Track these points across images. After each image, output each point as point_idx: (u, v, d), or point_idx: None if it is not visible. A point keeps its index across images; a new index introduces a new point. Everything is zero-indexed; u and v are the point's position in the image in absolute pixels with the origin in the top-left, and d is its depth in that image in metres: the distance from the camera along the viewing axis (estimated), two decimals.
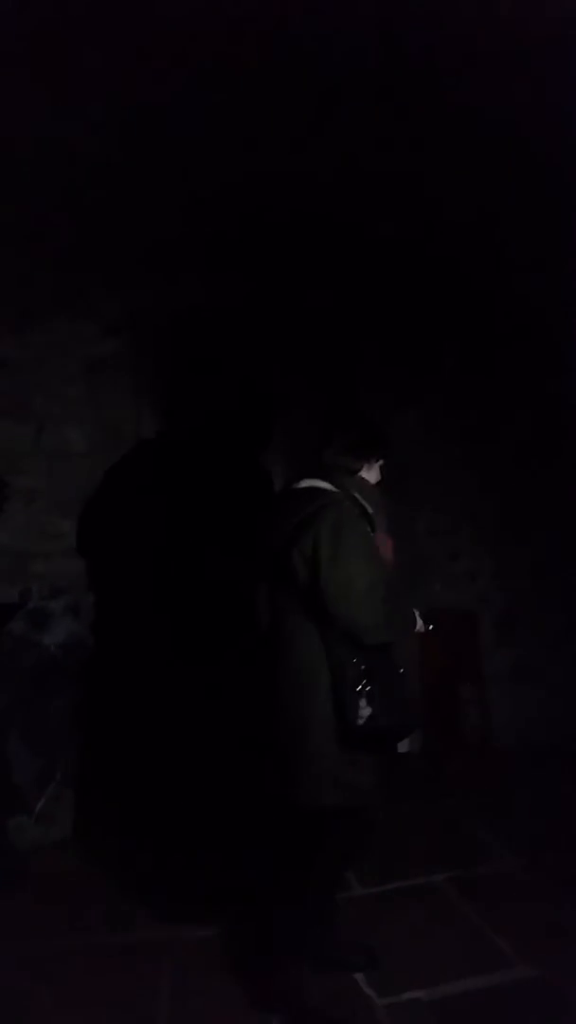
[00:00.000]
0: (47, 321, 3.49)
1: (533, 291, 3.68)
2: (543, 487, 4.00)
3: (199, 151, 2.99)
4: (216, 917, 2.63)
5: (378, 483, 2.46)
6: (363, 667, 2.16)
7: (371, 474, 2.43)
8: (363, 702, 2.14)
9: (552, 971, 2.31)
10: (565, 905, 2.62)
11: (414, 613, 2.45)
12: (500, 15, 2.30)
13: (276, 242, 3.56)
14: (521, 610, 4.09)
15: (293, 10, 2.33)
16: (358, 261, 3.71)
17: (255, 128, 2.85)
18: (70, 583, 3.39)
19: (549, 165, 2.94)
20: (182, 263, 3.58)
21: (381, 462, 2.46)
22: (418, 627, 2.42)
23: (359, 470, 2.39)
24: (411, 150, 3.03)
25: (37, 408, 3.51)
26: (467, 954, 2.43)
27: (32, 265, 3.40)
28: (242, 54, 2.47)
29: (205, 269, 3.62)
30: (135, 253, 3.49)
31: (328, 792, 2.17)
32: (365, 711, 2.13)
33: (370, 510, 2.32)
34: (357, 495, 2.32)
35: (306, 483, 2.33)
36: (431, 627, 2.48)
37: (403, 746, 2.13)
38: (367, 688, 2.14)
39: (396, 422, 3.92)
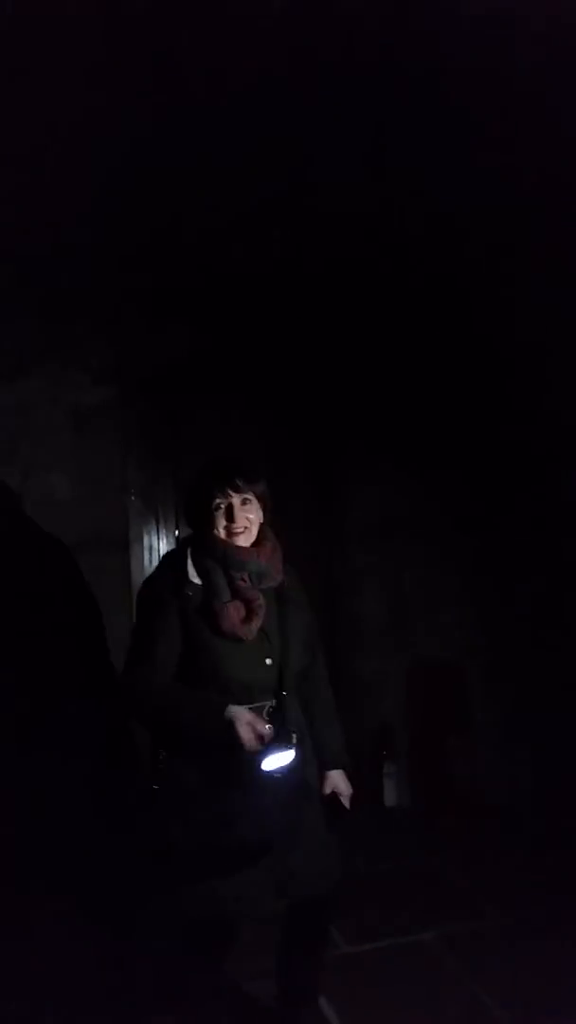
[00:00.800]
0: (35, 368, 3.52)
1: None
2: (532, 532, 4.00)
3: (187, 200, 3.06)
4: None
5: (262, 522, 2.13)
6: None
7: (220, 523, 2.07)
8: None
9: None
10: (556, 963, 2.54)
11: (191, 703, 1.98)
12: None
13: (269, 297, 3.63)
14: (510, 662, 4.05)
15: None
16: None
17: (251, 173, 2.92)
18: None
19: None
20: (170, 313, 3.65)
21: (229, 500, 2.06)
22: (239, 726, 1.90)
23: (201, 527, 2.10)
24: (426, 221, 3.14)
25: (23, 454, 3.51)
26: (454, 1013, 2.35)
27: (21, 312, 3.44)
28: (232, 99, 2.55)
29: (193, 320, 3.69)
30: (124, 302, 3.56)
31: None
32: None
33: (193, 578, 2.04)
34: (187, 561, 2.07)
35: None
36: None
37: (269, 764, 1.89)
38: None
39: (384, 475, 3.99)
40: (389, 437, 4.01)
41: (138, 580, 3.52)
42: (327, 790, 2.20)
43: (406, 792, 3.94)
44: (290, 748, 1.94)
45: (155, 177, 2.90)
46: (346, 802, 2.22)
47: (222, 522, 2.06)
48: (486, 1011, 2.36)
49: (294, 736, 1.98)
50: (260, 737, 1.89)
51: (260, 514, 2.13)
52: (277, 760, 1.90)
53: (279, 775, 1.91)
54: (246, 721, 1.90)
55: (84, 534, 3.46)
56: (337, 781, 2.23)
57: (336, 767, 2.24)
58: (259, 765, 1.88)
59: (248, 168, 2.91)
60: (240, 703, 1.95)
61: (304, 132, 2.76)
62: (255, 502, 2.11)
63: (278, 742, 1.92)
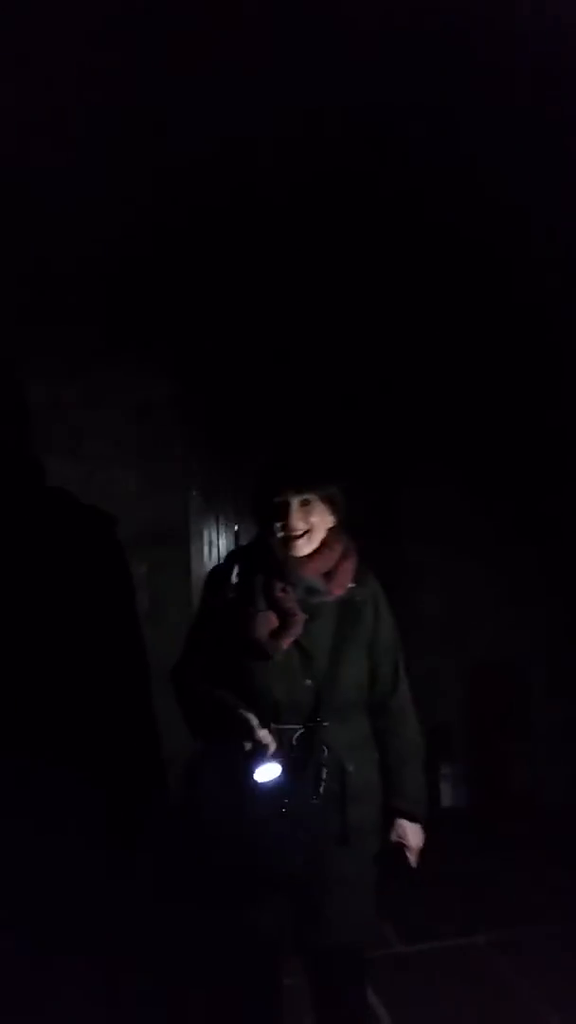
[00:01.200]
0: (100, 364, 3.60)
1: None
2: None
3: (255, 202, 3.09)
4: None
5: (332, 528, 1.91)
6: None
7: (275, 524, 1.88)
8: None
9: None
10: None
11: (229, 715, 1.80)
12: None
13: (336, 297, 3.64)
14: (570, 663, 3.99)
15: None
16: None
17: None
18: None
19: None
20: (235, 309, 3.68)
21: (286, 500, 1.85)
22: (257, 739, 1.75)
23: (262, 528, 1.93)
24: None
25: (88, 448, 3.59)
26: (506, 1017, 2.33)
27: (87, 308, 3.52)
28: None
29: (259, 316, 3.71)
30: (188, 299, 3.60)
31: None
32: None
33: (234, 579, 1.93)
34: (237, 561, 1.97)
35: None
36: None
37: (261, 775, 1.73)
38: None
39: (443, 474, 3.96)
40: (451, 436, 3.97)
41: (198, 574, 3.57)
42: (392, 837, 1.92)
43: (462, 793, 3.92)
44: (275, 761, 1.73)
45: (218, 182, 2.94)
46: (412, 858, 1.93)
47: (277, 523, 1.87)
48: (538, 1016, 2.33)
49: (320, 768, 1.77)
50: (256, 743, 1.73)
51: (327, 518, 1.90)
52: (267, 772, 1.73)
53: (270, 787, 1.73)
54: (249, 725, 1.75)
55: (146, 528, 3.53)
56: (406, 831, 1.92)
57: (408, 817, 1.93)
58: (251, 773, 1.72)
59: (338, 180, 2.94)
60: (267, 724, 1.77)
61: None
62: (320, 504, 1.88)
63: (275, 755, 1.74)
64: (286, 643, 1.82)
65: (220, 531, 3.80)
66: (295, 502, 1.86)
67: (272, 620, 1.84)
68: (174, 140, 2.71)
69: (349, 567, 1.93)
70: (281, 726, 1.79)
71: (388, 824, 1.92)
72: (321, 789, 1.77)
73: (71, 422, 3.59)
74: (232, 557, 2.02)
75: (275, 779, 1.73)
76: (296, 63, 2.41)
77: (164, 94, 2.54)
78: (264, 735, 1.73)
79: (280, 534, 1.87)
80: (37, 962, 2.11)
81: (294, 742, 1.80)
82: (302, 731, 1.81)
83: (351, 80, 2.49)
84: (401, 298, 3.74)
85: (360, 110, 2.64)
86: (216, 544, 3.77)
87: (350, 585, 1.92)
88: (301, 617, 1.83)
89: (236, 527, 3.80)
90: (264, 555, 1.90)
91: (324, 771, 1.78)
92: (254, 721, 1.75)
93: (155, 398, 3.72)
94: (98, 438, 3.64)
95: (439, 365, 3.90)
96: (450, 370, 3.92)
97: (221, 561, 2.04)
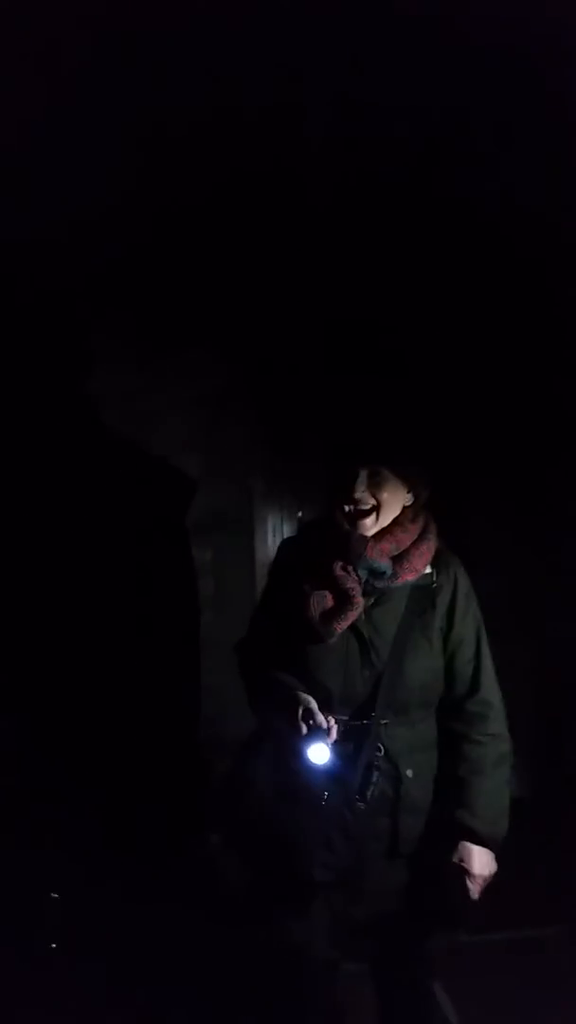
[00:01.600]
0: (166, 351, 3.63)
1: None
2: None
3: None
4: None
5: (409, 509, 1.78)
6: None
7: (338, 498, 1.76)
8: None
9: None
10: None
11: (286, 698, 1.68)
12: None
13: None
14: None
15: None
16: None
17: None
18: None
19: None
20: (302, 297, 3.67)
21: (352, 473, 1.72)
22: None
23: (331, 502, 1.80)
24: None
25: (155, 436, 3.64)
26: (572, 1010, 2.30)
27: (153, 295, 3.56)
28: None
29: (328, 305, 3.69)
30: (255, 285, 3.61)
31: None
32: None
33: (296, 554, 1.85)
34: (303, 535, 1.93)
35: None
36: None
37: (314, 754, 1.60)
38: None
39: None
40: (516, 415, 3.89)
41: (262, 560, 3.59)
42: (455, 858, 1.73)
43: (528, 783, 3.86)
44: (327, 743, 1.60)
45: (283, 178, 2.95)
46: (473, 888, 1.73)
47: (340, 498, 1.74)
48: None
49: (371, 769, 1.64)
50: (312, 722, 1.61)
51: (401, 495, 1.76)
52: (319, 753, 1.61)
53: (317, 772, 1.61)
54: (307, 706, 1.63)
55: (210, 515, 3.57)
56: (471, 856, 1.73)
57: (473, 839, 1.73)
58: (304, 753, 1.60)
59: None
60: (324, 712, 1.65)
61: None
62: (393, 479, 1.74)
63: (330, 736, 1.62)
64: (340, 627, 1.68)
65: (283, 518, 3.81)
66: (362, 474, 1.72)
67: (328, 601, 1.70)
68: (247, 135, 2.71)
69: (425, 550, 1.77)
70: (335, 718, 1.66)
71: (450, 842, 1.73)
72: (370, 793, 1.63)
73: (138, 409, 3.64)
74: (303, 532, 1.96)
75: (325, 764, 1.60)
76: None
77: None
78: (322, 719, 1.61)
79: (346, 508, 1.73)
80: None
81: (344, 736, 1.65)
82: (355, 726, 1.68)
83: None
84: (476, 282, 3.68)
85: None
86: (280, 530, 3.79)
87: (426, 571, 1.77)
88: (360, 600, 1.69)
89: (300, 513, 3.80)
90: (329, 532, 1.78)
91: (376, 774, 1.65)
92: (313, 704, 1.63)
93: (220, 385, 3.74)
94: (164, 425, 3.68)
95: (511, 356, 3.82)
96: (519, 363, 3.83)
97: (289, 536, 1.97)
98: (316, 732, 1.60)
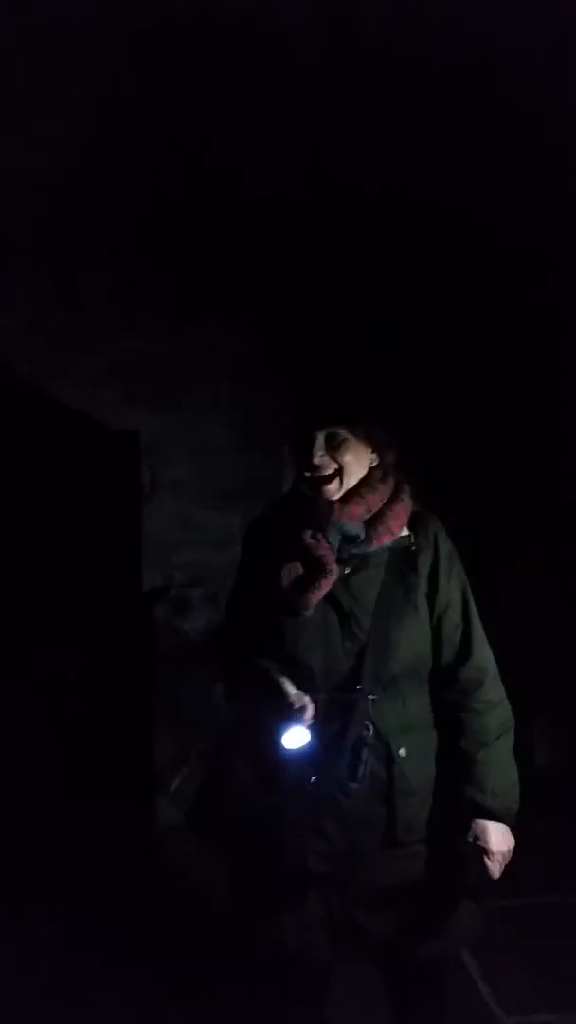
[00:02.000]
0: (192, 320, 3.62)
1: None
2: None
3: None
4: None
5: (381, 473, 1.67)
6: None
7: (302, 463, 1.66)
8: None
9: None
10: None
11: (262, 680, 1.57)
12: None
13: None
14: None
15: None
16: None
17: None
18: (210, 573, 3.48)
19: None
20: (326, 268, 3.63)
21: (312, 435, 1.62)
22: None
23: (295, 471, 1.71)
24: None
25: (185, 403, 3.65)
26: None
27: (177, 265, 3.56)
28: None
29: (351, 276, 3.64)
30: (280, 256, 3.57)
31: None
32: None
33: (266, 526, 1.78)
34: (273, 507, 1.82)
35: None
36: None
37: (289, 740, 1.51)
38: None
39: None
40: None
41: None
42: (469, 838, 1.61)
43: (559, 749, 3.85)
44: (304, 725, 1.49)
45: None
46: (493, 866, 1.60)
47: (303, 462, 1.63)
48: None
49: (360, 746, 1.53)
50: (287, 707, 1.50)
51: (365, 456, 1.65)
52: (295, 737, 1.50)
53: (299, 756, 1.50)
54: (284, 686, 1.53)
55: (239, 483, 3.58)
56: (487, 832, 1.60)
57: (485, 815, 1.60)
58: (279, 737, 1.49)
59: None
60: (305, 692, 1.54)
61: None
62: (355, 442, 1.63)
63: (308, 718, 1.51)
64: (315, 597, 1.57)
65: None
66: (319, 438, 1.61)
67: (297, 570, 1.60)
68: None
69: (399, 511, 1.66)
70: (314, 696, 1.54)
71: (464, 823, 1.61)
72: (360, 772, 1.53)
73: (167, 377, 3.64)
74: (269, 508, 1.83)
75: (304, 747, 1.49)
76: None
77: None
78: (297, 696, 1.51)
79: (307, 475, 1.63)
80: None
81: (328, 715, 1.54)
82: (339, 702, 1.56)
83: None
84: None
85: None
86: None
87: (403, 533, 1.66)
88: (334, 567, 1.58)
89: None
90: (295, 502, 1.69)
91: (365, 751, 1.54)
92: (288, 684, 1.53)
93: (248, 353, 3.72)
94: (193, 393, 3.68)
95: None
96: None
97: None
98: (291, 714, 1.49)
